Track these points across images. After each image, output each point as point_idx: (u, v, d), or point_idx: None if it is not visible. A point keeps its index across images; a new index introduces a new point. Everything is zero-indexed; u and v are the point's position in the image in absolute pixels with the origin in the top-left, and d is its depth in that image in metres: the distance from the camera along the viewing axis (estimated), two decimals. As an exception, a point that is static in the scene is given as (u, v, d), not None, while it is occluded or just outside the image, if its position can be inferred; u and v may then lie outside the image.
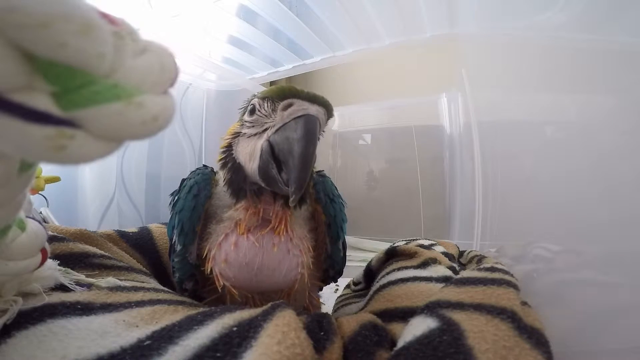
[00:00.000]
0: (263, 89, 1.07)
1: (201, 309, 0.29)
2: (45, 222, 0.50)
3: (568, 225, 0.33)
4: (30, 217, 0.25)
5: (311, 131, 0.33)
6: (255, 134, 0.36)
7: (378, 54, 0.81)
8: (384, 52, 0.81)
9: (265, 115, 0.36)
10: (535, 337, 0.25)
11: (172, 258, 0.40)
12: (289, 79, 1.33)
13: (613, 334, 0.25)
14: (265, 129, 0.35)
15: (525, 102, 0.46)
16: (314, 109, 0.34)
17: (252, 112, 0.37)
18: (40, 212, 0.56)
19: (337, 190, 0.44)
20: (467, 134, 0.80)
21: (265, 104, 0.36)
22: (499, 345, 0.24)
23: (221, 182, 0.39)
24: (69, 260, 0.34)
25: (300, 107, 0.33)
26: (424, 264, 0.44)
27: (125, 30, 0.14)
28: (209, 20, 0.72)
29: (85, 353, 0.22)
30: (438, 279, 0.40)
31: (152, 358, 0.22)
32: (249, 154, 0.35)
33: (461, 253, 0.65)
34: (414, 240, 0.70)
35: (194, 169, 0.43)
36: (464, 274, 0.37)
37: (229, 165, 0.37)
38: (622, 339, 0.24)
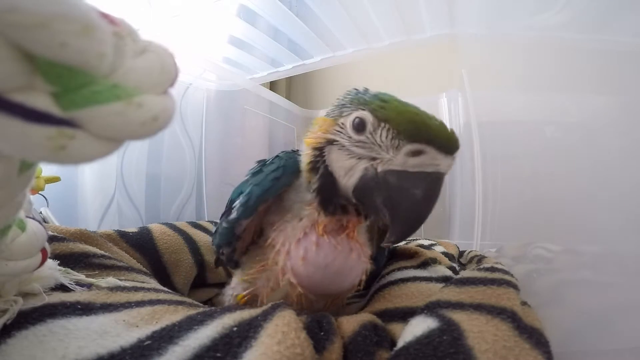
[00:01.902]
0: (263, 89, 1.08)
1: (201, 309, 0.29)
2: (45, 222, 0.50)
3: (568, 225, 0.33)
4: (30, 217, 0.25)
5: (436, 192, 0.29)
6: (358, 156, 0.32)
7: (378, 54, 0.81)
8: (384, 52, 0.81)
9: (379, 144, 0.31)
10: (535, 337, 0.25)
11: (220, 221, 0.40)
12: (289, 78, 1.33)
13: (613, 334, 0.25)
14: (374, 158, 0.31)
15: (525, 102, 0.46)
16: (446, 165, 0.29)
17: (360, 129, 0.32)
18: (40, 212, 0.56)
19: None
20: (467, 134, 0.80)
21: (384, 132, 0.30)
22: (499, 345, 0.24)
23: (303, 178, 0.37)
24: (69, 260, 0.34)
25: (433, 160, 0.28)
26: (424, 264, 0.44)
27: (125, 31, 0.14)
28: (209, 20, 0.72)
29: (85, 353, 0.22)
30: (438, 279, 0.40)
31: (152, 358, 0.22)
32: (347, 169, 0.32)
33: (461, 253, 0.65)
34: (414, 240, 0.70)
35: (287, 151, 0.40)
36: (464, 274, 0.37)
37: (320, 172, 0.34)
38: (622, 339, 0.24)
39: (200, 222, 0.65)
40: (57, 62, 0.12)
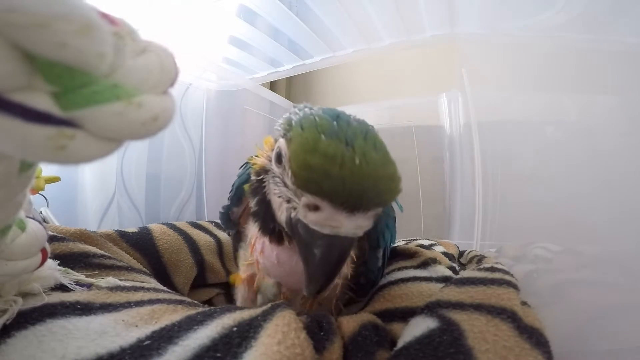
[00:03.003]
0: (263, 89, 1.08)
1: (201, 309, 0.28)
2: (45, 222, 0.50)
3: (568, 225, 0.33)
4: (30, 217, 0.25)
5: (336, 256, 0.24)
6: (280, 194, 0.28)
7: (378, 54, 0.81)
8: (384, 52, 0.81)
9: (290, 188, 0.26)
10: (535, 337, 0.25)
11: (222, 207, 0.44)
12: (289, 78, 1.33)
13: (613, 334, 0.25)
14: (289, 199, 0.27)
15: (525, 102, 0.46)
16: (350, 226, 0.23)
17: (279, 161, 0.27)
18: (40, 212, 0.56)
19: None
20: (467, 134, 0.80)
21: (288, 175, 0.26)
22: (499, 345, 0.24)
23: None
24: (69, 260, 0.34)
25: (329, 220, 0.23)
26: (424, 264, 0.44)
27: (125, 30, 0.14)
28: (209, 20, 0.72)
29: (84, 353, 0.22)
30: (438, 279, 0.40)
31: (151, 358, 0.22)
32: (278, 205, 0.29)
33: (461, 253, 0.65)
34: (414, 240, 0.70)
35: None
36: (464, 274, 0.37)
37: (257, 199, 0.32)
38: (622, 339, 0.24)
39: (200, 222, 0.65)
40: (57, 62, 0.12)
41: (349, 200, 0.22)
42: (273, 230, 0.31)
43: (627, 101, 0.25)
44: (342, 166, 0.22)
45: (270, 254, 0.35)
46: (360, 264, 0.38)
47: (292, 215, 0.26)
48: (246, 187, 0.36)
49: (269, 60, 0.89)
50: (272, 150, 0.30)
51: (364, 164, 0.22)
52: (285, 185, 0.27)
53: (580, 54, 0.31)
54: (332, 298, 0.39)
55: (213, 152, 0.97)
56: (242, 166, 0.44)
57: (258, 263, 0.37)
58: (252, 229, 0.37)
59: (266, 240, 0.34)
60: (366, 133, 0.25)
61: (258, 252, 0.36)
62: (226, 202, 0.44)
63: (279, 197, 0.28)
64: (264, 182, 0.31)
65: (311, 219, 0.24)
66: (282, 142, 0.27)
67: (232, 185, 0.43)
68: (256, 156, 0.34)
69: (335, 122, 0.24)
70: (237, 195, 0.42)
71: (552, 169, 0.38)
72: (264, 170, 0.31)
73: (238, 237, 0.46)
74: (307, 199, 0.23)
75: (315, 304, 0.38)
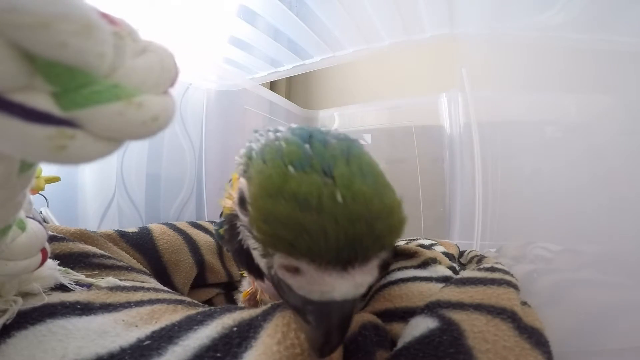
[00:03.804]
0: (263, 89, 1.08)
1: (200, 309, 0.28)
2: (45, 222, 0.50)
3: (568, 225, 0.33)
4: (30, 217, 0.25)
5: (339, 325, 0.18)
6: (254, 246, 0.23)
7: (378, 54, 0.81)
8: (384, 52, 0.81)
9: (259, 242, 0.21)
10: (535, 337, 0.25)
11: (215, 224, 0.41)
12: (289, 78, 1.33)
13: (613, 334, 0.25)
14: (264, 255, 0.21)
15: (525, 102, 0.46)
16: (346, 288, 0.17)
17: (243, 205, 0.22)
18: (40, 212, 0.56)
19: None
20: (467, 134, 0.80)
21: (253, 229, 0.19)
22: (499, 345, 0.24)
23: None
24: (69, 260, 0.34)
25: (317, 285, 0.17)
26: (424, 264, 0.44)
27: (125, 30, 0.14)
28: (209, 20, 0.72)
29: (84, 353, 0.22)
30: (438, 279, 0.40)
31: (151, 358, 0.22)
32: (257, 256, 0.24)
33: (461, 253, 0.65)
34: (414, 240, 0.70)
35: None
36: (464, 274, 0.37)
37: (235, 247, 0.27)
38: (622, 339, 0.24)
39: (200, 222, 0.65)
40: (57, 62, 0.12)
41: (338, 256, 0.16)
42: (260, 273, 0.26)
43: (627, 101, 0.25)
44: (320, 210, 0.15)
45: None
46: None
47: (272, 273, 0.20)
48: (221, 231, 0.30)
49: (269, 60, 0.89)
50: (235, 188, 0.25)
51: (349, 201, 0.16)
52: (255, 238, 0.20)
53: (580, 53, 0.31)
54: None
55: (213, 152, 0.97)
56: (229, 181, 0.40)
57: (254, 281, 0.37)
58: None
59: None
60: (348, 154, 0.18)
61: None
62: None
63: (254, 249, 0.23)
64: (237, 228, 0.25)
65: (293, 283, 0.18)
66: (242, 182, 0.21)
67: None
68: (226, 197, 0.29)
69: (307, 145, 0.18)
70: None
71: (552, 169, 0.38)
72: (235, 216, 0.25)
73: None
74: (281, 260, 0.18)
75: None
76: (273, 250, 0.18)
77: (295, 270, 0.17)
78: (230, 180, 0.29)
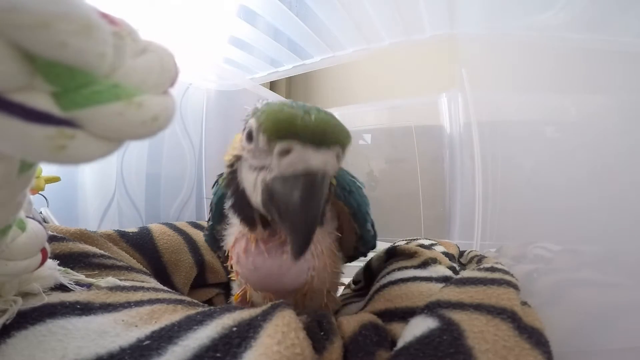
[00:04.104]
0: (263, 89, 1.08)
1: (200, 309, 0.29)
2: (45, 222, 0.50)
3: (568, 225, 0.33)
4: (30, 217, 0.25)
5: (313, 193, 0.26)
6: (255, 168, 0.30)
7: (378, 54, 0.81)
8: (384, 52, 0.81)
9: (262, 150, 0.29)
10: (535, 337, 0.25)
11: (205, 228, 0.45)
12: (289, 78, 1.33)
13: (613, 334, 0.25)
14: (263, 166, 0.29)
15: (525, 102, 0.46)
16: (318, 160, 0.26)
17: (250, 138, 0.30)
18: (40, 212, 0.56)
19: (351, 177, 0.42)
20: (467, 134, 0.80)
21: (261, 138, 0.28)
22: (499, 345, 0.24)
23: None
24: (68, 260, 0.34)
25: (301, 157, 0.26)
26: (424, 264, 0.44)
27: (125, 30, 0.14)
28: (209, 20, 0.72)
29: (84, 353, 0.22)
30: (438, 279, 0.40)
31: (151, 358, 0.22)
32: (252, 186, 0.30)
33: (461, 253, 0.65)
34: (414, 240, 0.70)
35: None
36: (464, 274, 0.37)
37: (232, 188, 0.33)
38: (622, 339, 0.24)
39: (200, 222, 0.65)
40: (57, 62, 0.12)
41: (314, 137, 0.26)
42: (252, 219, 0.33)
43: (627, 101, 0.25)
44: (303, 119, 0.27)
45: (245, 262, 0.35)
46: (358, 239, 0.43)
47: (267, 180, 0.28)
48: (221, 180, 0.37)
49: (269, 60, 0.89)
50: (236, 155, 0.33)
51: (318, 119, 0.27)
52: (256, 156, 0.30)
53: (580, 53, 0.31)
54: (321, 290, 0.39)
55: (213, 152, 0.97)
56: (214, 184, 0.43)
57: (237, 274, 0.38)
58: (229, 239, 0.38)
59: (241, 248, 0.35)
60: (317, 109, 0.29)
61: (235, 262, 0.37)
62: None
63: (253, 172, 0.30)
64: (236, 172, 0.33)
65: (285, 163, 0.26)
66: (251, 121, 0.30)
67: (210, 205, 0.42)
68: (229, 153, 0.36)
69: (293, 103, 0.29)
70: (218, 211, 0.41)
71: (552, 169, 0.38)
72: (236, 159, 0.33)
73: (227, 258, 0.44)
74: (279, 146, 0.27)
75: (307, 299, 0.38)
76: (274, 142, 0.27)
77: (287, 152, 0.26)
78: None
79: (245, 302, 0.41)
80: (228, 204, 0.35)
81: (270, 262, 0.34)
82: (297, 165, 0.26)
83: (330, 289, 0.42)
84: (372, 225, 0.45)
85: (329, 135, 0.27)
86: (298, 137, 0.26)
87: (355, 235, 0.43)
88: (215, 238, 0.43)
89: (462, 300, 0.29)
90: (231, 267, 0.39)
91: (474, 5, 0.63)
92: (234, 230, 0.38)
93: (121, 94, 0.14)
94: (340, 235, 0.41)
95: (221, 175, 0.42)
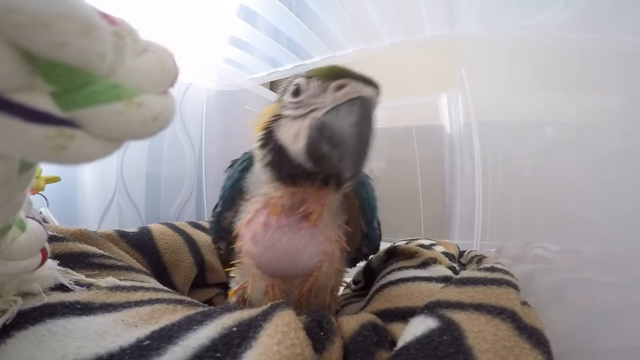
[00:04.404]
0: (263, 89, 1.08)
1: (200, 309, 0.29)
2: (45, 222, 0.50)
3: (568, 225, 0.33)
4: (30, 217, 0.25)
5: (368, 114, 0.31)
6: (300, 116, 0.34)
7: (378, 54, 0.81)
8: (384, 52, 0.81)
9: (313, 96, 0.33)
10: (535, 337, 0.25)
11: (211, 215, 0.45)
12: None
13: (613, 334, 0.25)
14: (312, 110, 0.33)
15: (525, 102, 0.46)
16: (368, 91, 0.32)
17: (297, 93, 0.34)
18: (40, 212, 0.56)
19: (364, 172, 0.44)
20: (467, 134, 0.80)
21: (313, 84, 0.33)
22: (499, 345, 0.24)
23: (256, 162, 0.38)
24: (68, 260, 0.34)
25: (355, 88, 0.31)
26: (424, 264, 0.44)
27: (125, 30, 0.14)
28: (209, 20, 0.72)
29: (84, 353, 0.22)
30: (438, 279, 0.40)
31: (151, 358, 0.22)
32: (294, 135, 0.33)
33: (461, 253, 0.65)
34: (414, 240, 0.70)
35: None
36: (464, 274, 0.37)
37: (270, 146, 0.35)
38: (622, 339, 0.24)
39: (200, 222, 0.65)
40: (57, 62, 0.12)
41: (362, 77, 0.32)
42: (290, 173, 0.35)
43: (627, 101, 0.25)
44: (349, 69, 0.33)
45: (262, 237, 0.35)
46: (363, 237, 0.44)
47: (319, 117, 0.32)
48: (255, 142, 0.38)
49: (269, 60, 0.89)
50: (278, 105, 0.36)
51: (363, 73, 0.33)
52: (307, 98, 0.34)
53: (580, 53, 0.31)
54: (326, 287, 0.40)
55: (213, 152, 0.97)
56: (228, 168, 0.44)
57: (246, 255, 0.37)
58: (243, 217, 0.38)
59: (259, 223, 0.36)
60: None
61: (249, 240, 0.36)
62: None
63: (295, 122, 0.34)
64: (272, 132, 0.35)
65: (341, 94, 0.31)
66: (298, 80, 0.35)
67: (222, 188, 0.42)
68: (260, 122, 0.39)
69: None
70: (231, 197, 0.41)
71: (552, 169, 0.38)
72: (273, 120, 0.36)
73: (230, 251, 0.44)
74: (335, 83, 0.32)
75: (311, 295, 0.39)
76: (329, 81, 0.32)
77: (341, 87, 0.32)
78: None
79: (242, 301, 0.41)
80: (263, 162, 0.36)
81: (288, 237, 0.35)
82: (352, 94, 0.31)
83: (334, 288, 0.42)
84: (379, 225, 0.45)
85: (370, 79, 0.33)
86: (350, 76, 0.32)
87: (361, 232, 0.43)
88: (220, 226, 0.43)
89: (462, 300, 0.29)
90: (238, 252, 0.39)
91: (473, 5, 0.63)
92: (251, 207, 0.38)
93: (121, 94, 0.14)
94: (349, 229, 0.41)
95: (236, 160, 0.43)
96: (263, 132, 0.36)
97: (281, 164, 0.34)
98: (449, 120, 1.00)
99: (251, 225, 0.37)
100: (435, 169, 1.04)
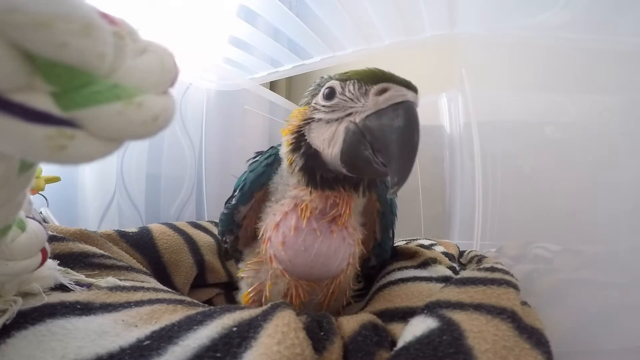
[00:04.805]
0: (263, 89, 1.08)
1: (200, 309, 0.28)
2: (45, 222, 0.50)
3: (568, 225, 0.33)
4: (30, 217, 0.25)
5: (413, 119, 0.30)
6: (336, 119, 0.33)
7: (378, 54, 0.81)
8: (384, 52, 0.81)
9: (350, 99, 0.32)
10: (535, 337, 0.25)
11: (225, 206, 0.43)
12: (289, 78, 1.33)
13: (613, 334, 0.25)
14: (349, 114, 0.32)
15: (525, 102, 0.46)
16: (411, 95, 0.31)
17: (331, 96, 0.34)
18: (40, 212, 0.56)
19: None
20: (467, 134, 0.80)
21: (351, 87, 0.33)
22: (499, 345, 0.24)
23: (284, 164, 0.38)
24: (68, 260, 0.34)
25: (399, 92, 0.30)
26: (424, 264, 0.44)
27: (125, 30, 0.14)
28: (209, 20, 0.72)
29: (84, 353, 0.22)
30: (438, 279, 0.40)
31: (151, 358, 0.22)
32: (329, 139, 0.33)
33: (461, 253, 0.65)
34: (414, 240, 0.70)
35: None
36: (464, 274, 0.37)
37: (302, 150, 0.35)
38: (622, 339, 0.24)
39: (200, 222, 0.65)
40: (57, 62, 0.12)
41: (404, 81, 0.32)
42: (325, 178, 0.34)
43: (627, 101, 0.25)
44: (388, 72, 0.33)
45: (294, 241, 0.35)
46: (376, 246, 0.42)
47: (357, 121, 0.31)
48: (285, 146, 0.37)
49: (269, 60, 0.89)
50: (309, 108, 0.36)
51: (401, 76, 0.32)
52: (344, 102, 0.33)
53: (580, 53, 0.31)
54: (345, 290, 0.40)
55: (213, 152, 0.97)
56: (251, 160, 0.43)
57: (274, 259, 0.36)
58: (268, 220, 0.38)
59: (289, 227, 0.35)
60: None
61: (279, 243, 0.36)
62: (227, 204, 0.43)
63: (330, 126, 0.33)
64: (304, 136, 0.35)
65: (383, 99, 0.30)
66: (332, 82, 0.34)
67: (242, 181, 0.41)
68: (289, 126, 0.38)
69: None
70: (250, 191, 0.40)
71: (552, 169, 0.38)
72: (304, 124, 0.35)
73: (236, 243, 0.44)
74: (377, 87, 0.31)
75: (333, 297, 0.39)
76: (370, 85, 0.32)
77: (384, 91, 0.31)
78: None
79: (258, 301, 0.40)
80: (294, 166, 0.35)
81: (320, 241, 0.35)
82: (396, 99, 0.30)
83: (347, 290, 0.42)
84: (393, 237, 0.44)
85: (414, 85, 0.32)
86: (392, 80, 0.31)
87: (375, 240, 0.42)
88: (232, 218, 0.42)
89: (462, 300, 0.29)
90: (262, 253, 0.38)
91: (473, 5, 0.63)
92: (279, 209, 0.37)
93: (121, 94, 0.14)
94: (365, 232, 0.41)
95: (261, 152, 0.43)
96: (293, 135, 0.35)
97: (314, 169, 0.34)
98: (449, 120, 1.00)
99: (280, 228, 0.36)
100: (435, 169, 1.04)
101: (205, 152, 0.96)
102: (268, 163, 0.40)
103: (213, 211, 0.93)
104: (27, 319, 0.24)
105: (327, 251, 0.35)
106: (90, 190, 0.70)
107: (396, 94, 0.30)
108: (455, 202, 0.96)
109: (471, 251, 0.62)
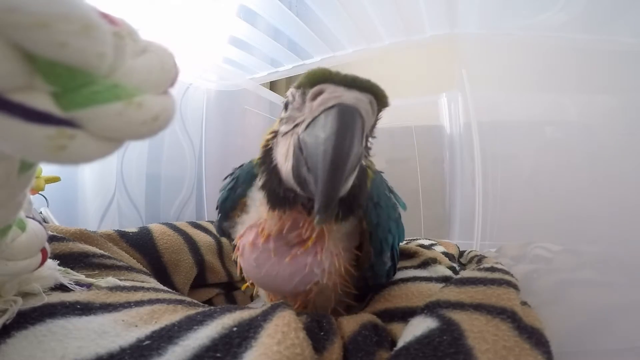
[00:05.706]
0: (263, 89, 1.08)
1: (200, 309, 0.29)
2: (45, 222, 0.50)
3: (568, 226, 0.33)
4: (30, 217, 0.25)
5: (345, 125, 0.25)
6: (288, 132, 0.30)
7: (378, 54, 0.81)
8: (384, 52, 0.81)
9: (297, 108, 0.29)
10: (535, 337, 0.25)
11: (217, 219, 0.43)
12: (289, 78, 1.33)
13: (613, 334, 0.25)
14: (297, 124, 0.29)
15: (525, 102, 0.46)
16: (350, 97, 0.26)
17: (286, 106, 0.31)
18: (40, 212, 0.56)
19: (389, 192, 0.38)
20: (467, 134, 0.80)
21: (297, 95, 0.29)
22: (499, 345, 0.24)
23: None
24: (68, 260, 0.34)
25: (332, 94, 0.26)
26: (424, 264, 0.44)
27: (125, 30, 0.14)
28: (209, 20, 0.72)
29: (84, 353, 0.22)
30: (438, 279, 0.40)
31: (151, 358, 0.22)
32: (284, 155, 0.29)
33: (461, 253, 0.65)
34: (414, 240, 0.70)
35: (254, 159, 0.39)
36: (464, 274, 0.37)
37: (264, 166, 0.32)
38: (622, 338, 0.24)
39: (200, 222, 0.65)
40: (57, 62, 0.12)
41: (345, 80, 0.27)
42: (281, 197, 0.31)
43: (627, 101, 0.25)
44: (334, 71, 0.28)
45: (248, 257, 0.34)
46: (367, 269, 0.37)
47: (300, 135, 0.28)
48: (255, 161, 0.36)
49: (269, 60, 0.89)
50: (272, 130, 0.33)
51: (348, 74, 0.28)
52: (290, 120, 0.30)
53: (580, 54, 0.31)
54: (326, 307, 0.37)
55: (213, 152, 0.97)
56: (226, 179, 0.42)
57: (239, 268, 0.38)
58: (239, 228, 0.38)
59: (248, 241, 0.35)
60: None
61: (240, 254, 0.36)
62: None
63: (286, 140, 0.30)
64: (271, 151, 0.32)
65: (317, 103, 0.27)
66: (290, 90, 0.31)
67: (218, 202, 0.41)
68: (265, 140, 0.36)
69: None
70: (224, 212, 0.40)
71: (552, 169, 0.38)
72: (272, 137, 0.33)
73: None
74: (313, 90, 0.27)
75: (310, 309, 0.38)
76: (308, 88, 0.28)
77: (319, 93, 0.27)
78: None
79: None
80: (259, 184, 0.33)
81: (272, 263, 0.33)
82: (329, 102, 0.26)
83: (337, 305, 0.39)
84: (393, 258, 0.38)
85: (360, 81, 0.27)
86: (329, 80, 0.27)
87: (369, 262, 0.36)
88: (221, 229, 0.43)
89: (462, 300, 0.29)
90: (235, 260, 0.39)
91: (473, 6, 0.63)
92: (248, 218, 0.37)
93: (121, 94, 0.14)
94: (359, 254, 0.37)
95: (238, 168, 0.42)
96: (262, 150, 0.33)
97: (274, 186, 0.31)
98: (449, 120, 1.00)
99: (242, 241, 0.36)
100: (435, 169, 1.04)
101: (205, 152, 0.96)
102: (230, 187, 0.39)
103: (213, 211, 0.93)
104: (27, 319, 0.24)
105: (277, 274, 0.33)
106: (90, 190, 0.70)
107: (329, 96, 0.26)
108: (455, 202, 0.96)
109: (471, 251, 0.62)
